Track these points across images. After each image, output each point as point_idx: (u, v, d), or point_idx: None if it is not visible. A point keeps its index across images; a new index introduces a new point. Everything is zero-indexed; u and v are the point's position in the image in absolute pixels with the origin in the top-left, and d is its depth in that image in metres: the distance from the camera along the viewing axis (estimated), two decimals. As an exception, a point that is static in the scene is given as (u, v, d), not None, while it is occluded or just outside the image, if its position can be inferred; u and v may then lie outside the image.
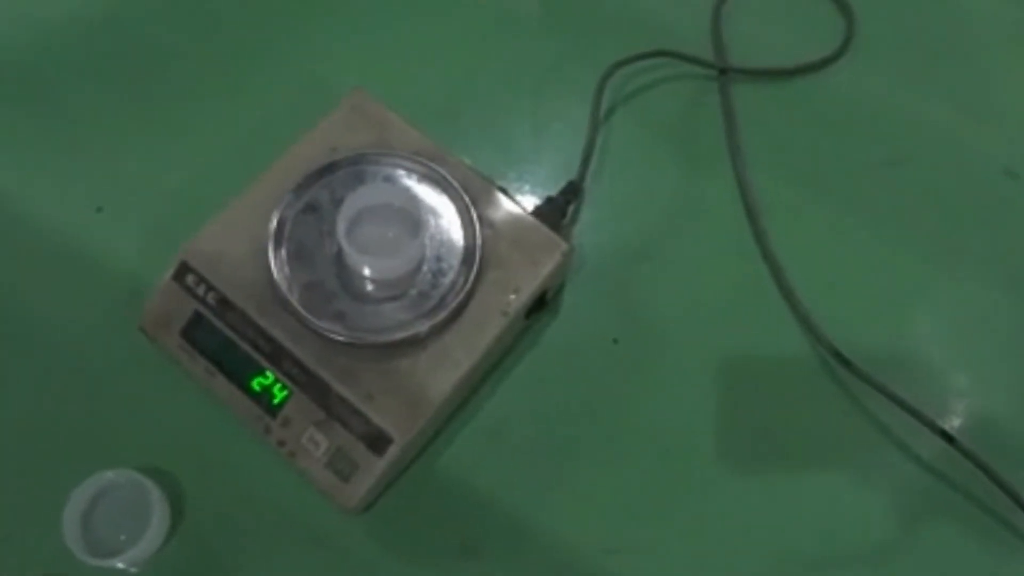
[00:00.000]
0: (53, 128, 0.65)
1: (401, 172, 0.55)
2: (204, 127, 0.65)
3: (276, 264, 0.52)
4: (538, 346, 0.59)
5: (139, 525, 0.51)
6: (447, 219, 0.54)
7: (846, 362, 0.58)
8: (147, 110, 0.66)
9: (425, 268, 0.53)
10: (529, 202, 0.62)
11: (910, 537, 0.55)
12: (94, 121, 0.66)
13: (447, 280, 0.53)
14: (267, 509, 0.54)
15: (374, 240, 0.52)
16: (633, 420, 0.57)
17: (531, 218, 0.56)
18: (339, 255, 0.52)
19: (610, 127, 0.67)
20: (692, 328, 0.60)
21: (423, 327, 0.51)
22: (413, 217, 0.52)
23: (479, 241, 0.53)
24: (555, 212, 0.60)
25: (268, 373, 0.52)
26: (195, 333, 0.53)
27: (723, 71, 0.69)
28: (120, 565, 0.50)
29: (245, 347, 0.52)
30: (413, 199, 0.53)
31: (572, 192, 0.61)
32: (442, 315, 0.51)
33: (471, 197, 0.54)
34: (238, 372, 0.52)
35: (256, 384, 0.52)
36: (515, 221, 0.55)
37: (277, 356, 0.52)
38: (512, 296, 0.53)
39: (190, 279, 0.53)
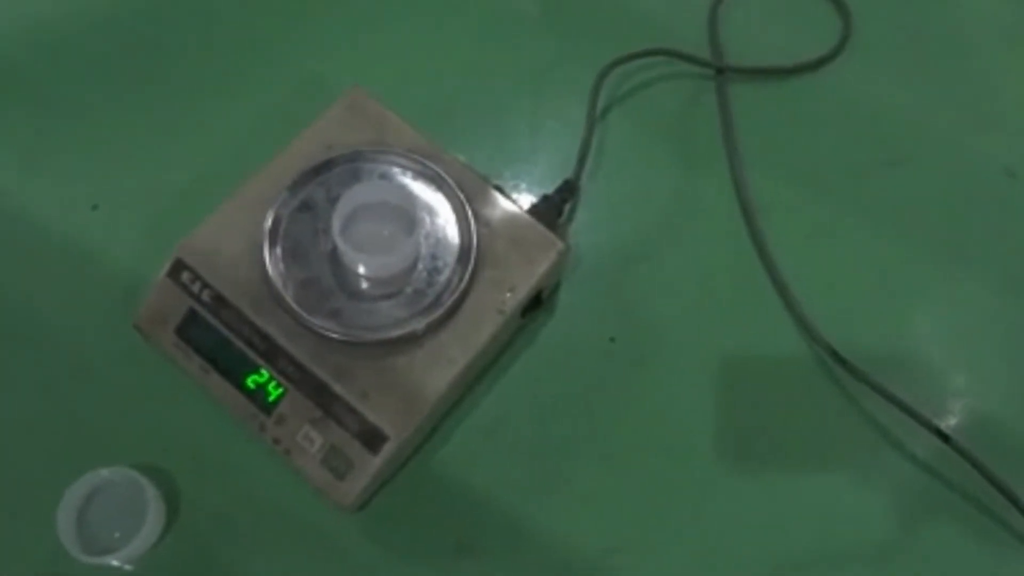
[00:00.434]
0: (49, 126, 0.65)
1: (397, 170, 0.55)
2: (200, 125, 0.65)
3: (271, 262, 0.52)
4: (534, 345, 0.59)
5: (134, 523, 0.51)
6: (443, 217, 0.54)
7: (843, 361, 0.58)
8: (144, 108, 0.66)
9: (421, 266, 0.53)
10: (525, 201, 0.62)
11: (907, 536, 0.55)
12: (90, 119, 0.66)
13: (443, 278, 0.53)
14: (262, 507, 0.54)
15: (370, 238, 0.52)
16: (629, 419, 0.57)
17: (527, 217, 0.55)
18: (334, 253, 0.52)
19: (607, 126, 0.67)
20: (689, 327, 0.60)
21: (419, 325, 0.51)
22: (409, 215, 0.52)
23: (475, 239, 0.53)
24: (551, 211, 0.59)
25: (263, 371, 0.52)
26: (190, 330, 0.53)
27: (720, 70, 0.69)
28: (115, 563, 0.51)
29: (240, 345, 0.52)
30: (409, 197, 0.53)
31: (568, 191, 0.61)
32: (438, 313, 0.51)
33: (467, 195, 0.54)
34: (233, 370, 0.52)
35: (251, 382, 0.52)
36: (511, 219, 0.55)
37: (272, 354, 0.51)
38: (508, 294, 0.53)
39: (185, 276, 0.53)
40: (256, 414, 0.52)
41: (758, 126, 0.67)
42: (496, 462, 0.56)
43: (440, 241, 0.54)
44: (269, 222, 0.52)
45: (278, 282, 0.51)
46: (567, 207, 0.62)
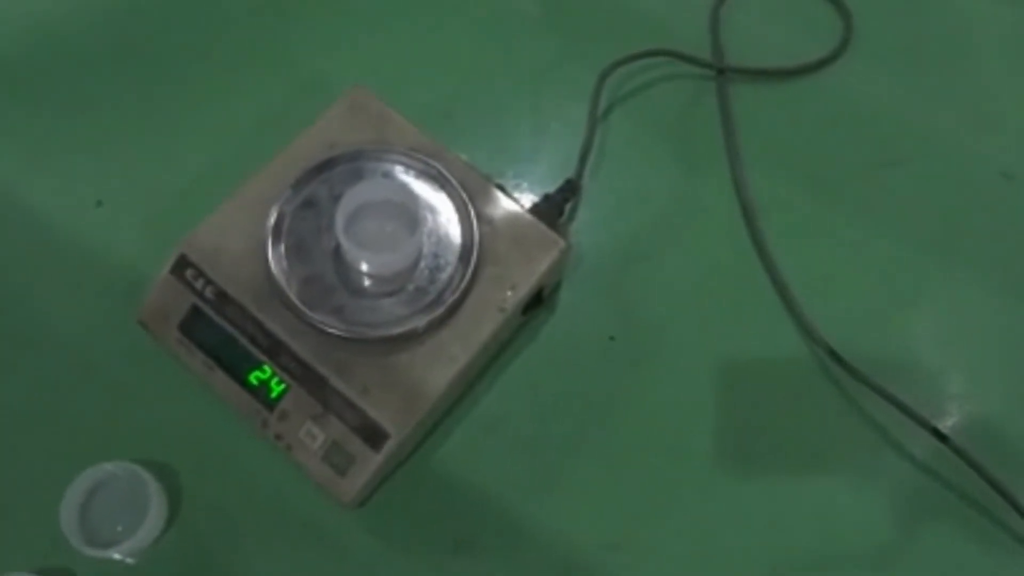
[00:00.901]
0: (53, 122, 0.66)
1: (399, 168, 0.56)
2: (204, 122, 0.65)
3: (274, 259, 0.52)
4: (535, 343, 0.59)
5: (136, 516, 0.51)
6: (445, 216, 0.55)
7: (841, 362, 0.58)
8: (147, 105, 0.66)
9: (423, 264, 0.53)
10: (527, 200, 0.62)
11: (905, 536, 0.55)
12: (94, 115, 0.66)
13: (444, 276, 0.53)
14: (263, 502, 0.54)
15: (372, 236, 0.53)
16: (629, 417, 0.58)
17: (529, 216, 0.56)
18: (337, 250, 0.52)
19: (608, 126, 0.67)
20: (688, 326, 0.61)
21: (420, 322, 0.51)
22: (411, 213, 0.52)
23: (477, 238, 0.53)
24: (553, 210, 0.60)
25: (266, 367, 0.52)
26: (193, 327, 0.53)
27: (721, 71, 0.69)
28: (117, 556, 0.51)
29: (243, 341, 0.52)
30: (411, 195, 0.53)
31: (570, 190, 0.61)
32: (439, 311, 0.51)
33: (469, 194, 0.54)
34: (236, 366, 0.52)
35: (254, 378, 0.52)
36: (513, 218, 0.55)
37: (275, 350, 0.52)
38: (509, 293, 0.53)
39: (189, 273, 0.53)
40: (258, 410, 0.52)
41: (758, 127, 0.68)
42: (496, 459, 0.56)
43: (442, 239, 0.54)
44: (272, 219, 0.53)
45: (281, 279, 0.52)
46: (568, 206, 0.62)
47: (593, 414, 0.58)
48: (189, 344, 0.53)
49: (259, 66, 0.68)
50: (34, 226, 0.61)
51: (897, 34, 0.73)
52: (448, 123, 0.65)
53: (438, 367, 0.51)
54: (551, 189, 0.61)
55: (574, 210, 0.64)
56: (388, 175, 0.55)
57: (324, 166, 0.55)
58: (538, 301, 0.57)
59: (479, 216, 0.54)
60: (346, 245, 0.50)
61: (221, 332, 0.53)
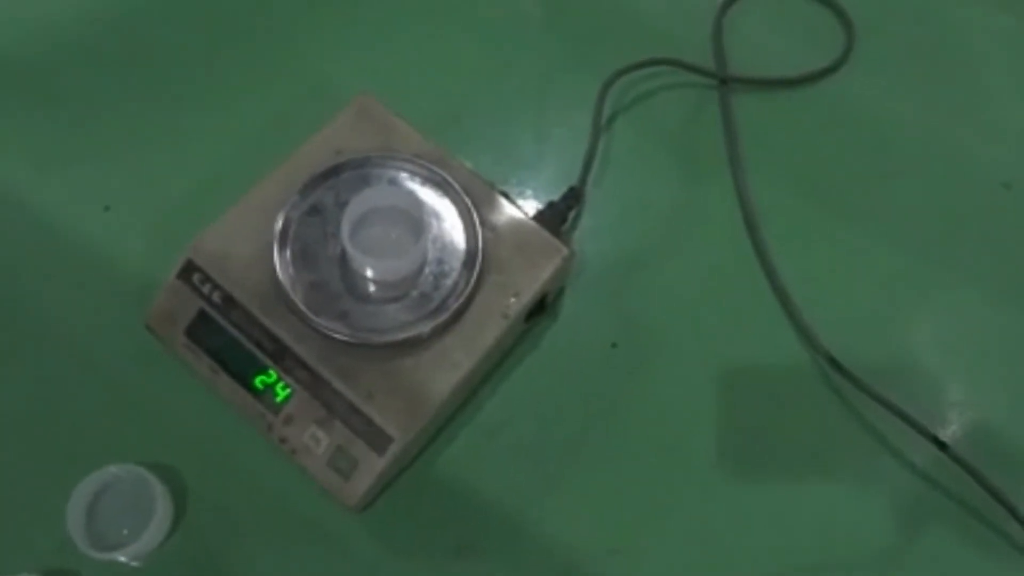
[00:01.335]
0: (62, 127, 0.66)
1: (405, 175, 0.56)
2: (211, 128, 0.66)
3: (281, 264, 0.52)
4: (538, 349, 0.60)
5: (142, 520, 0.51)
6: (449, 222, 0.55)
7: (842, 369, 0.58)
8: (155, 111, 0.67)
9: (427, 270, 0.54)
10: (530, 207, 0.62)
11: (904, 543, 0.55)
12: (102, 121, 0.66)
13: (449, 282, 0.53)
14: (268, 506, 0.54)
15: (377, 242, 0.53)
16: (631, 423, 0.58)
17: (532, 223, 0.56)
18: (343, 256, 0.53)
19: (611, 134, 0.67)
20: (690, 333, 0.61)
21: (424, 328, 0.51)
22: (416, 220, 0.53)
23: (481, 244, 0.54)
24: (556, 217, 0.60)
25: (271, 371, 0.52)
26: (200, 331, 0.54)
27: (724, 80, 0.70)
28: (123, 559, 0.51)
29: (249, 345, 0.53)
30: (416, 202, 0.54)
31: (573, 198, 0.62)
32: (443, 317, 0.52)
33: (473, 201, 0.55)
34: (242, 370, 0.53)
35: (259, 382, 0.53)
36: (516, 225, 0.56)
37: (280, 355, 0.52)
38: (512, 299, 0.54)
39: (196, 278, 0.54)
40: (264, 414, 0.52)
41: (761, 136, 0.68)
42: (499, 464, 0.56)
43: (446, 246, 0.54)
44: (279, 225, 0.53)
45: (287, 284, 0.52)
46: (572, 214, 0.62)
47: (595, 420, 0.58)
48: (196, 348, 0.54)
49: (266, 72, 0.69)
50: (42, 230, 0.62)
51: (899, 44, 0.73)
52: (453, 130, 0.66)
53: (442, 373, 0.52)
54: (554, 196, 0.62)
55: (577, 217, 0.64)
56: (393, 182, 0.56)
57: (330, 172, 0.55)
58: (541, 308, 0.57)
59: (483, 223, 0.55)
60: (352, 251, 0.51)
61: (227, 336, 0.53)
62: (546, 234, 0.56)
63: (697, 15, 0.73)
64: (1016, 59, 0.73)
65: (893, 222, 0.65)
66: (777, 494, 0.57)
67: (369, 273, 0.52)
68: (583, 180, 0.63)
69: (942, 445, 0.56)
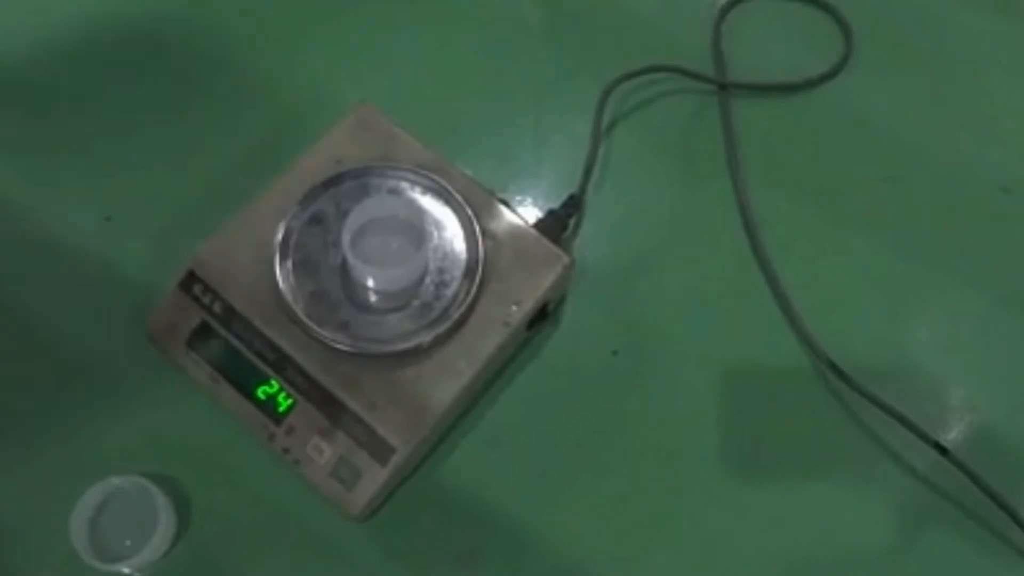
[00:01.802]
0: (62, 138, 0.66)
1: (405, 184, 0.56)
2: (212, 138, 0.66)
3: (282, 274, 0.53)
4: (539, 357, 0.60)
5: (145, 531, 0.51)
6: (450, 231, 0.55)
7: (842, 374, 0.58)
8: (156, 121, 0.67)
9: (428, 279, 0.54)
10: (531, 215, 0.63)
11: (905, 548, 0.55)
12: (103, 131, 0.66)
13: (450, 291, 0.53)
14: (271, 515, 0.54)
15: (378, 251, 0.53)
16: (633, 430, 0.58)
17: (533, 231, 0.56)
18: (344, 266, 0.53)
19: (611, 141, 0.67)
20: (691, 340, 0.61)
21: (426, 337, 0.52)
22: (417, 229, 0.53)
23: (481, 253, 0.54)
24: (556, 225, 0.60)
25: (273, 382, 0.52)
26: (201, 341, 0.54)
27: (723, 86, 0.70)
28: (126, 570, 0.51)
29: (250, 356, 0.53)
30: (417, 211, 0.54)
31: (573, 205, 0.62)
32: (445, 326, 0.52)
33: (474, 210, 0.55)
34: (243, 380, 0.53)
35: (261, 392, 0.53)
36: (517, 234, 0.56)
37: (282, 365, 0.52)
38: (514, 308, 0.54)
39: (197, 288, 0.54)
40: (266, 424, 0.53)
41: (761, 141, 0.68)
42: (501, 472, 0.56)
43: (447, 255, 0.54)
44: (280, 235, 0.53)
45: (288, 294, 0.52)
46: (572, 221, 0.62)
47: (597, 427, 0.58)
48: (197, 359, 0.54)
49: (265, 83, 0.69)
50: (43, 241, 0.62)
51: (898, 49, 0.73)
52: (453, 138, 0.66)
53: (444, 382, 0.52)
54: (555, 204, 0.62)
55: (577, 225, 0.64)
56: (394, 191, 0.56)
57: (331, 182, 0.55)
58: (542, 316, 0.57)
59: (484, 231, 0.55)
60: (352, 261, 0.51)
61: (229, 347, 0.53)
62: (547, 242, 0.56)
63: (696, 21, 0.73)
64: (1015, 64, 0.73)
65: (893, 227, 0.66)
66: (779, 499, 0.57)
67: (370, 283, 0.53)
68: (583, 187, 0.63)
69: (943, 450, 0.56)
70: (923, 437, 0.57)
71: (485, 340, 0.53)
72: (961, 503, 0.56)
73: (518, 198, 0.65)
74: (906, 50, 0.73)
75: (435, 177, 0.56)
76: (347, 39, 0.71)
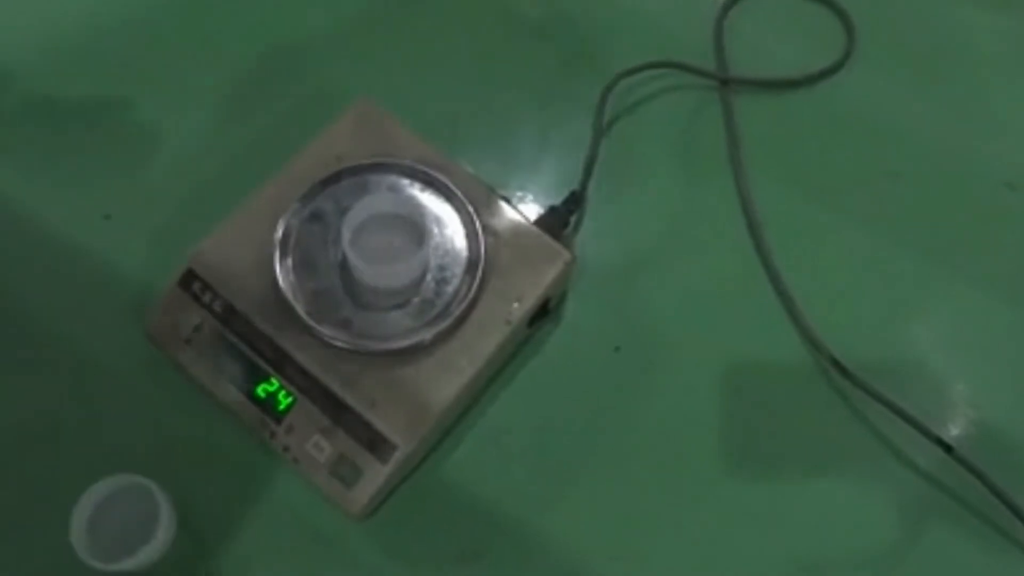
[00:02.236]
0: (61, 136, 0.66)
1: (405, 181, 0.56)
2: (211, 135, 0.66)
3: (282, 272, 0.52)
4: (540, 354, 0.60)
5: (145, 530, 0.51)
6: (451, 228, 0.55)
7: (845, 371, 0.58)
8: (155, 118, 0.67)
9: (429, 277, 0.54)
10: (532, 211, 0.62)
11: (909, 545, 0.55)
12: (102, 129, 0.66)
13: (451, 289, 0.53)
14: (271, 514, 0.54)
15: (379, 249, 0.53)
16: (634, 427, 0.58)
17: (534, 228, 0.56)
18: (344, 263, 0.53)
19: (613, 137, 0.67)
20: (693, 337, 0.61)
21: (427, 335, 0.51)
22: (417, 226, 0.52)
23: (482, 250, 0.54)
24: (557, 221, 0.60)
25: (273, 380, 0.52)
26: (200, 340, 0.54)
27: (725, 82, 0.70)
28: (127, 569, 0.51)
29: (250, 354, 0.53)
30: (417, 208, 0.54)
31: (574, 202, 0.62)
32: (446, 323, 0.52)
33: (475, 206, 0.55)
34: (243, 379, 0.53)
35: (261, 391, 0.52)
36: (518, 230, 0.56)
37: (282, 363, 0.52)
38: (515, 305, 0.54)
39: (196, 287, 0.54)
40: (266, 422, 0.52)
41: (762, 137, 0.68)
42: (502, 470, 0.56)
43: (448, 252, 0.54)
44: (279, 233, 0.53)
45: (288, 292, 0.52)
46: (573, 218, 0.62)
47: (598, 425, 0.58)
48: (196, 357, 0.54)
49: (266, 79, 0.68)
50: (42, 239, 0.62)
51: (900, 44, 0.73)
52: (453, 135, 0.66)
53: (445, 379, 0.52)
54: (556, 200, 0.62)
55: (579, 221, 0.64)
56: (394, 188, 0.56)
57: (331, 179, 0.55)
58: (544, 313, 0.57)
59: (485, 228, 0.54)
60: (353, 258, 0.50)
61: (228, 345, 0.53)
62: (548, 239, 0.56)
63: (698, 17, 0.73)
64: (1018, 59, 0.73)
65: (896, 223, 0.65)
66: (781, 497, 0.56)
67: (370, 280, 0.52)
68: (584, 184, 0.63)
69: (947, 447, 0.56)
70: (927, 434, 0.56)
71: (486, 337, 0.53)
72: (965, 500, 0.56)
73: (519, 194, 0.65)
74: (909, 46, 0.73)
75: (436, 174, 0.55)
76: (348, 36, 0.71)
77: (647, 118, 0.68)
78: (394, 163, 0.56)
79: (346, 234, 0.51)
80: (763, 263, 0.63)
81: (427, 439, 0.53)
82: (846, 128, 0.69)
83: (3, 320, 0.59)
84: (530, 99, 0.69)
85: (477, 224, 0.54)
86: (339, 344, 0.51)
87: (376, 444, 0.51)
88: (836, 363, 0.58)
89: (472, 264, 0.53)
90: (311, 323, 0.51)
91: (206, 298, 0.53)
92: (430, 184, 0.56)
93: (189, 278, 0.54)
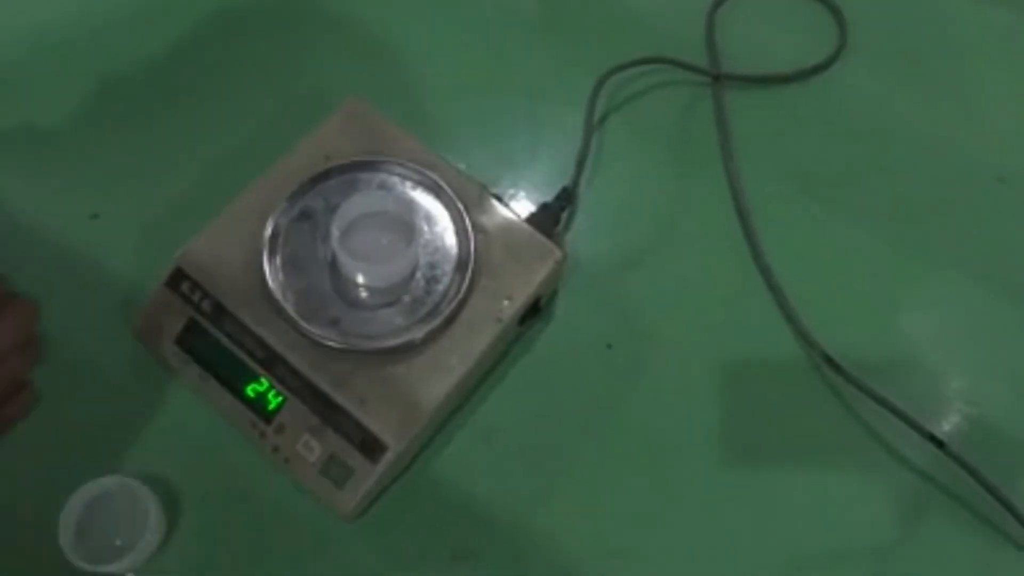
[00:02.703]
0: (49, 134, 0.65)
1: (395, 179, 0.56)
2: (199, 134, 0.65)
3: (271, 271, 0.52)
4: (532, 352, 0.59)
5: (135, 531, 0.51)
6: (441, 226, 0.55)
7: (837, 367, 0.58)
8: (144, 117, 0.66)
9: (419, 275, 0.53)
10: (523, 208, 0.62)
11: (902, 541, 0.55)
12: (90, 127, 0.66)
13: (441, 287, 0.53)
14: (261, 514, 0.54)
15: (368, 247, 0.53)
16: (626, 425, 0.58)
17: (525, 225, 0.56)
18: (333, 262, 0.52)
19: (604, 133, 0.67)
20: (685, 333, 0.61)
21: (417, 334, 0.51)
22: (407, 224, 0.52)
23: (473, 248, 0.53)
24: (549, 218, 0.60)
25: (262, 379, 0.52)
26: (189, 339, 0.53)
27: (716, 77, 0.69)
28: (116, 571, 0.51)
29: (239, 354, 0.52)
30: (407, 206, 0.53)
31: (566, 198, 0.61)
32: (436, 322, 0.51)
33: (465, 204, 0.54)
34: (232, 378, 0.52)
35: (250, 390, 0.52)
36: (509, 228, 0.55)
37: (271, 363, 0.52)
38: (506, 303, 0.53)
39: (184, 286, 0.53)
40: (256, 422, 0.52)
41: (754, 132, 0.68)
42: (494, 469, 0.56)
43: (438, 250, 0.54)
44: (268, 231, 0.53)
45: (277, 291, 0.52)
46: (565, 215, 0.62)
47: (591, 422, 0.58)
48: (185, 357, 0.53)
49: (254, 77, 0.68)
50: (29, 238, 0.61)
51: (892, 39, 0.73)
52: (443, 132, 0.65)
53: (436, 378, 0.51)
54: (547, 197, 0.61)
55: (570, 218, 0.64)
56: (384, 186, 0.55)
57: (320, 177, 0.55)
58: (535, 310, 0.57)
59: (475, 226, 0.54)
60: (342, 257, 0.50)
61: (217, 345, 0.53)
62: (539, 236, 0.55)
63: (689, 12, 0.73)
64: (1009, 53, 0.73)
65: (888, 218, 0.65)
66: (775, 492, 0.56)
67: (360, 279, 0.52)
68: (576, 180, 0.63)
69: (939, 442, 0.56)
70: (919, 430, 0.56)
71: (477, 336, 0.52)
72: (957, 496, 0.56)
73: (510, 191, 0.65)
74: (900, 40, 0.73)
75: (426, 171, 0.55)
76: (339, 33, 0.70)
77: (639, 114, 0.68)
78: (384, 161, 0.56)
79: (335, 232, 0.50)
80: (755, 259, 0.63)
81: (418, 438, 0.52)
82: (838, 123, 0.69)
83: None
84: (521, 95, 0.69)
85: (467, 222, 0.54)
86: (329, 343, 0.51)
87: (367, 444, 0.50)
88: (828, 359, 0.58)
89: (462, 262, 0.53)
90: (300, 322, 0.51)
91: (195, 297, 0.53)
92: (420, 182, 0.55)
93: (177, 277, 0.53)
